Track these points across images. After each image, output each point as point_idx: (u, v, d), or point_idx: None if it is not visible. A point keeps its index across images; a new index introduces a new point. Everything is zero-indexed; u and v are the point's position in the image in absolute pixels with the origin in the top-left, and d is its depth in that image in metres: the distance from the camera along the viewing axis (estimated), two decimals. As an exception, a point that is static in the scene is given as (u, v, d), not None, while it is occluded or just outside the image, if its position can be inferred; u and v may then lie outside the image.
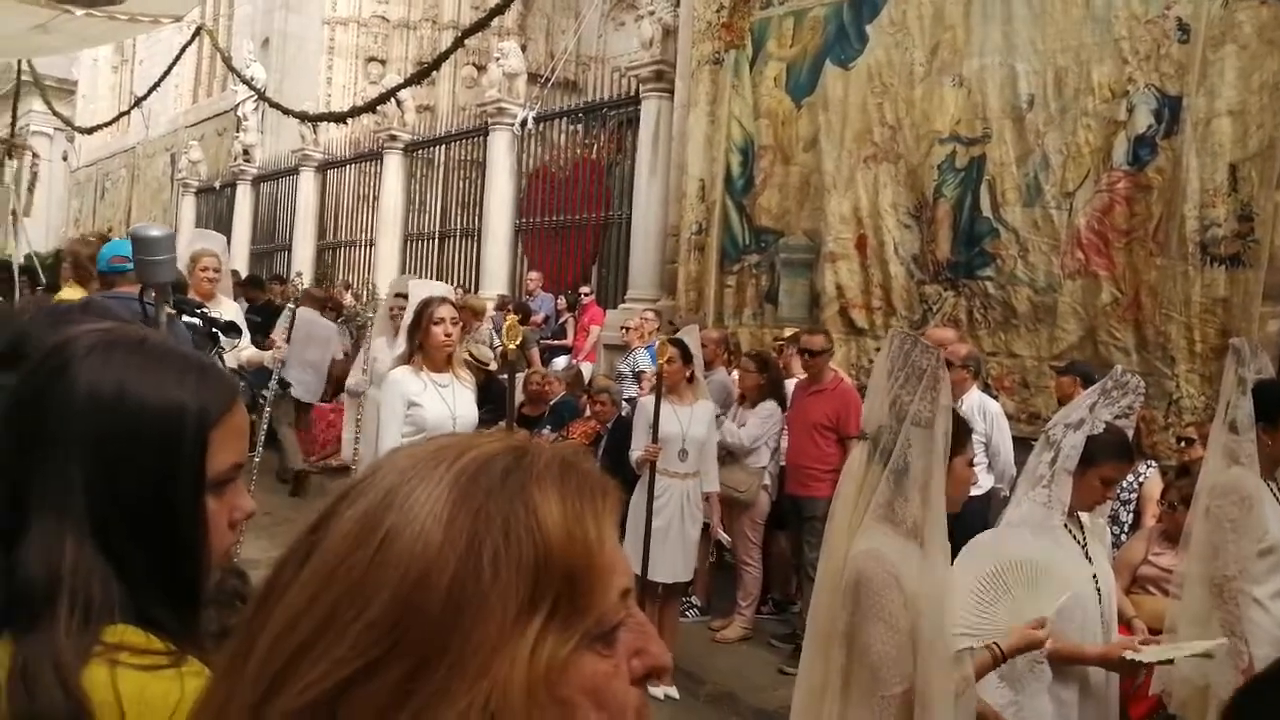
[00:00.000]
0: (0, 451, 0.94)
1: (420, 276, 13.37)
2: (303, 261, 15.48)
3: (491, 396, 6.67)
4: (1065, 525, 2.83)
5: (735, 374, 6.45)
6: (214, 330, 4.17)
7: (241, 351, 5.89)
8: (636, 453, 5.47)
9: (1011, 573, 2.66)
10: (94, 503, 0.93)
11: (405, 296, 6.45)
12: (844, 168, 7.64)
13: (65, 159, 27.45)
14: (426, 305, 4.30)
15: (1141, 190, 5.96)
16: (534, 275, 11.01)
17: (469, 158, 12.84)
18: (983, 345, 6.54)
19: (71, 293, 5.47)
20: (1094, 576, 2.88)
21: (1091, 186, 6.18)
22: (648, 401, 5.54)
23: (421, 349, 4.28)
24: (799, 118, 8.04)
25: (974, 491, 5.35)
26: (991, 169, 6.69)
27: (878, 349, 6.92)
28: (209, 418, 1.00)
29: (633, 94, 10.05)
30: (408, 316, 4.68)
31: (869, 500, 2.33)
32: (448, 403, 4.22)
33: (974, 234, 6.78)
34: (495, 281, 11.65)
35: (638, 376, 7.55)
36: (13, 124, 17.62)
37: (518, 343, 4.91)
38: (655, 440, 5.35)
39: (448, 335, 4.27)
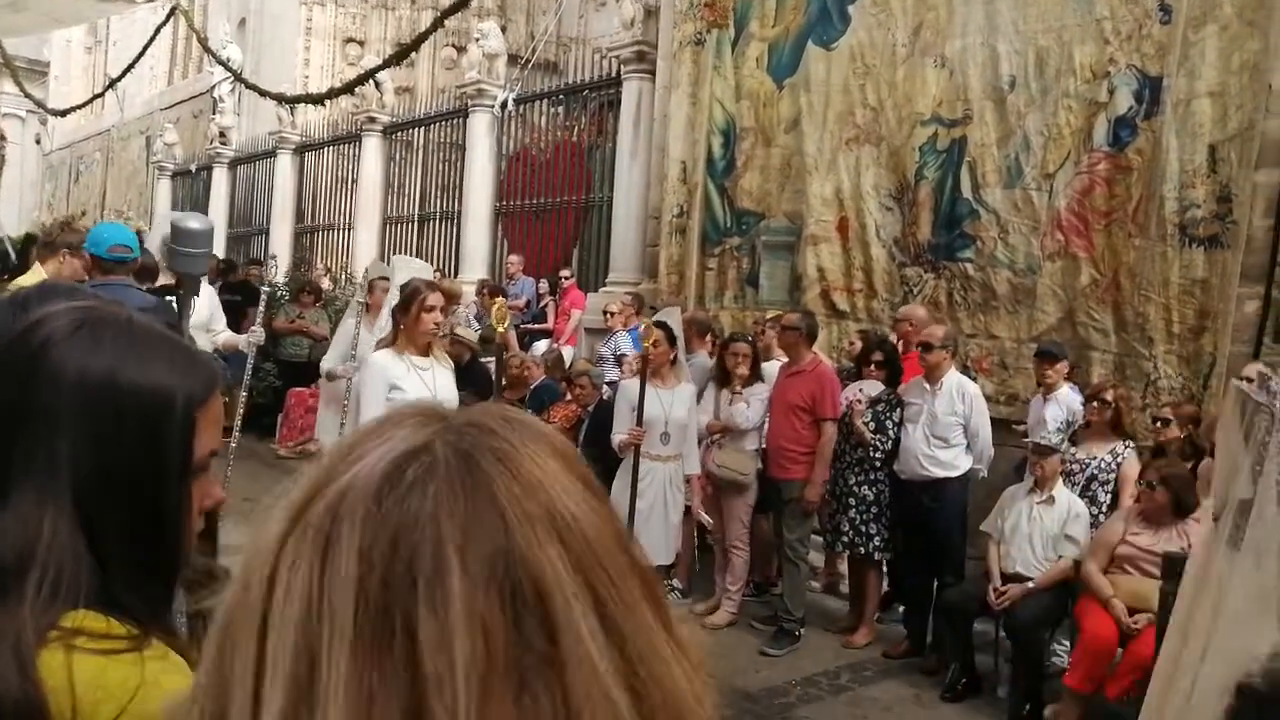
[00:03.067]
0: None
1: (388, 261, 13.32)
2: (280, 245, 15.32)
3: (474, 378, 6.63)
4: None
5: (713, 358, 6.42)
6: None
7: (218, 335, 5.83)
8: (620, 436, 5.47)
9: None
10: (78, 481, 0.91)
11: (387, 280, 6.41)
12: (825, 150, 7.62)
13: (38, 142, 27.08)
14: (418, 292, 4.26)
15: (1121, 171, 5.97)
16: (514, 259, 10.94)
17: (448, 140, 12.73)
18: (962, 327, 6.55)
19: (34, 276, 5.38)
20: None
21: (1072, 168, 6.18)
22: (630, 384, 5.54)
23: (406, 333, 4.27)
24: (781, 99, 8.01)
25: (953, 473, 5.40)
26: (972, 150, 6.68)
27: (859, 331, 6.93)
28: (195, 403, 0.99)
29: (614, 75, 9.98)
30: (392, 297, 4.63)
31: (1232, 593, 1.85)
32: (428, 385, 4.21)
33: (955, 216, 6.78)
34: (475, 265, 11.57)
35: (619, 360, 7.53)
36: (-16, 105, 17.36)
37: (504, 325, 4.89)
38: (640, 424, 5.34)
39: (436, 325, 4.30)
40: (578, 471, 0.55)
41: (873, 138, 7.34)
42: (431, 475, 0.51)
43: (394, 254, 13.48)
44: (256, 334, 5.87)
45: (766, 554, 6.39)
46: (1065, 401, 5.45)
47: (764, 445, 5.89)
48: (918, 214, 7.01)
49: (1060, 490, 5.01)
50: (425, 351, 4.30)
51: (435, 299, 4.28)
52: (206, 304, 5.76)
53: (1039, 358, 5.63)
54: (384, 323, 6.31)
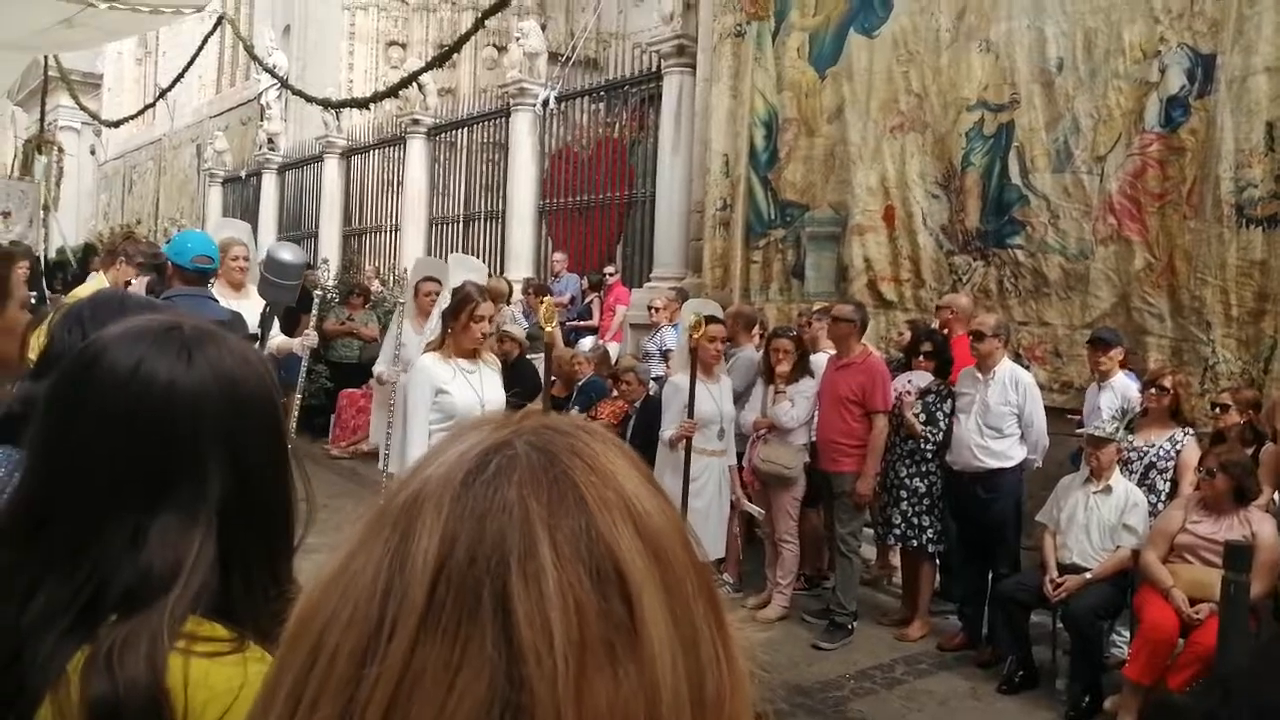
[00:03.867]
0: (135, 444, 0.96)
1: (445, 259, 13.42)
2: (329, 248, 15.53)
3: (521, 377, 6.67)
4: None
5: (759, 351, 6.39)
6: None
7: (273, 339, 5.89)
8: (670, 431, 5.43)
9: None
10: (224, 494, 0.96)
11: (437, 281, 6.38)
12: (870, 138, 7.54)
13: (93, 153, 27.70)
14: (469, 300, 4.24)
15: (1174, 152, 5.84)
16: (559, 256, 10.98)
17: (491, 140, 12.81)
18: (1013, 314, 6.45)
19: (93, 285, 5.51)
20: None
21: (1123, 150, 6.06)
22: (680, 380, 5.47)
23: (454, 337, 4.26)
24: (823, 89, 7.94)
25: (1007, 464, 5.33)
26: (1020, 135, 6.57)
27: (908, 321, 6.86)
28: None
29: (654, 70, 9.97)
30: (444, 299, 4.63)
31: None
32: (475, 389, 4.20)
33: (1003, 202, 6.67)
34: (520, 264, 11.63)
35: (664, 355, 7.52)
36: (41, 119, 17.81)
37: (552, 325, 4.88)
38: (690, 416, 5.31)
39: (484, 335, 4.30)
40: (643, 471, 0.57)
41: (918, 125, 7.25)
42: (514, 465, 0.53)
43: (439, 255, 13.61)
44: (310, 337, 5.95)
45: (818, 547, 6.36)
46: (1121, 389, 5.34)
47: (813, 438, 5.86)
48: (965, 201, 6.92)
49: (1117, 479, 4.92)
50: (473, 355, 4.28)
51: (486, 308, 4.26)
52: (257, 310, 5.87)
53: (1093, 344, 5.52)
54: (434, 324, 6.37)
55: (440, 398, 4.11)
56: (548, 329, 4.83)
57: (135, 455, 0.95)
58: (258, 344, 4.55)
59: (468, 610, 0.49)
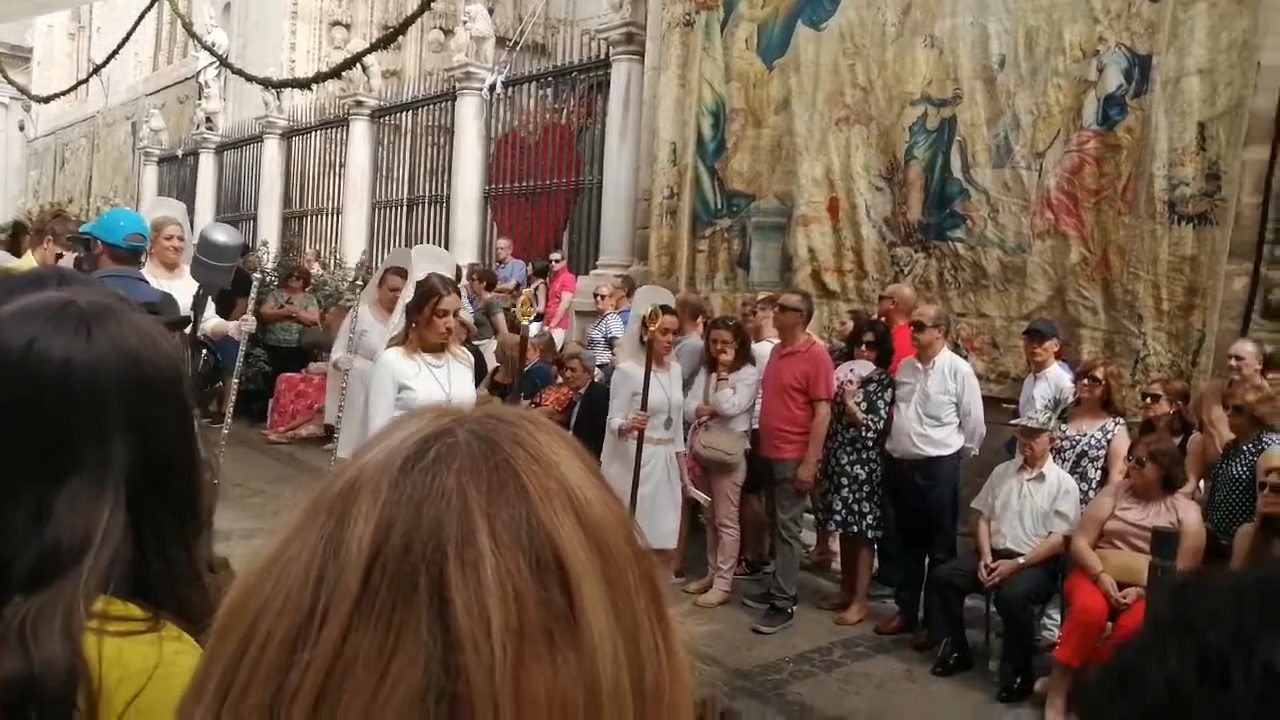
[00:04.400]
0: (33, 423, 0.94)
1: (406, 245, 13.25)
2: (269, 230, 15.25)
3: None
4: None
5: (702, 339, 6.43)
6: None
7: (207, 322, 5.78)
8: (619, 420, 5.33)
9: None
10: (130, 468, 0.95)
11: (402, 274, 6.21)
12: (816, 130, 7.62)
13: (21, 129, 26.85)
14: (433, 293, 4.11)
15: (1111, 150, 5.99)
16: (503, 242, 10.91)
17: (437, 123, 12.68)
18: (953, 306, 6.57)
19: (25, 264, 5.35)
20: None
21: (1061, 146, 6.19)
22: (630, 369, 5.38)
23: (417, 331, 4.15)
24: (770, 80, 8.00)
25: (945, 452, 5.43)
26: (962, 130, 6.69)
27: (850, 311, 6.95)
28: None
29: (603, 57, 9.95)
30: (409, 291, 4.51)
31: None
32: (441, 383, 4.08)
33: (945, 195, 6.79)
34: (465, 249, 11.53)
35: (610, 343, 7.53)
36: (-34, 92, 17.21)
37: (530, 317, 4.75)
38: (644, 408, 5.19)
39: (448, 330, 4.17)
40: (587, 462, 0.57)
41: (863, 118, 7.34)
42: (454, 452, 0.53)
43: (384, 240, 13.45)
44: (249, 322, 5.82)
45: (759, 533, 6.42)
46: (1055, 379, 5.48)
47: (755, 426, 5.91)
48: (908, 194, 7.02)
49: (1050, 467, 5.04)
50: (439, 350, 4.16)
51: (450, 302, 4.12)
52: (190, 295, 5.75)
53: (1029, 336, 5.65)
54: (398, 318, 6.24)
55: (404, 393, 3.99)
56: (524, 322, 4.68)
57: (34, 432, 0.93)
58: (189, 326, 4.43)
59: (403, 597, 0.48)
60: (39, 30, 26.24)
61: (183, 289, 5.38)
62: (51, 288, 1.27)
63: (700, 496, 5.82)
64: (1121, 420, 5.28)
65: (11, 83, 22.75)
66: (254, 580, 0.52)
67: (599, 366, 7.15)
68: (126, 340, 0.99)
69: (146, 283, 4.79)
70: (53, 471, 0.93)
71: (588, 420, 5.98)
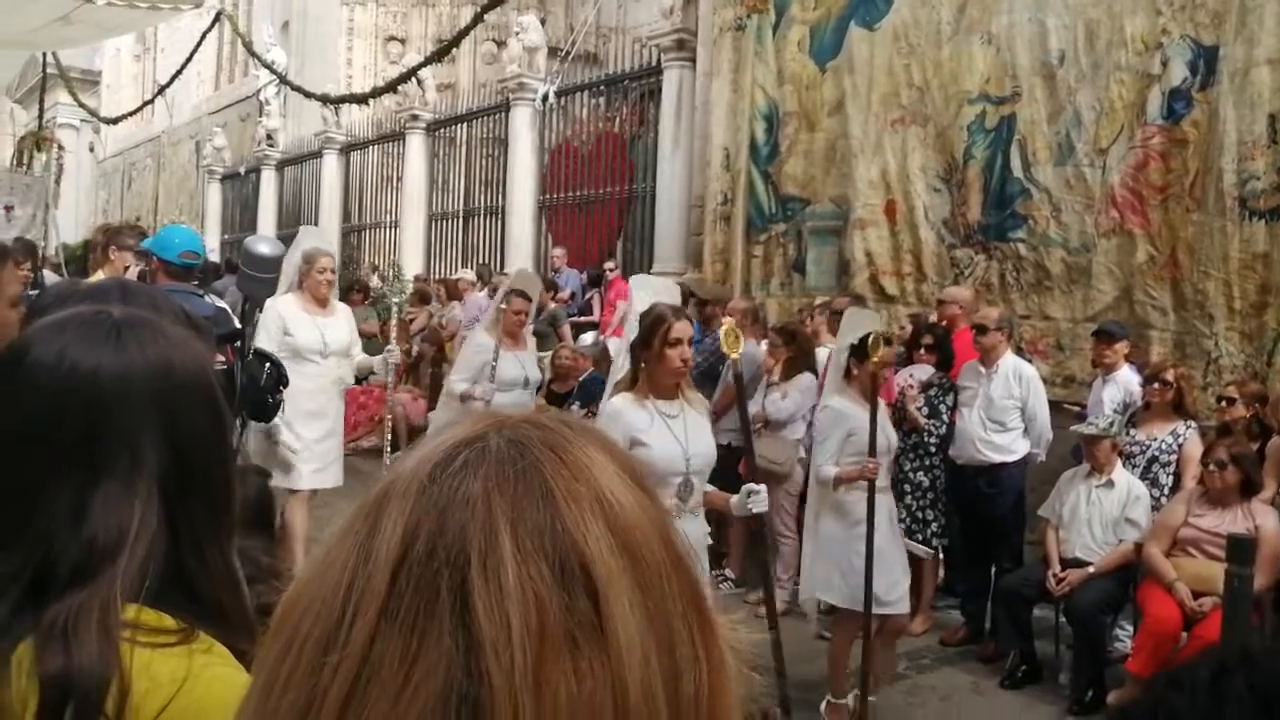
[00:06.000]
0: (66, 429, 0.97)
1: (447, 257, 13.38)
2: (329, 245, 15.50)
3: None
4: None
5: (764, 345, 6.38)
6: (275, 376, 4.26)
7: (356, 357, 5.57)
8: (832, 468, 4.31)
9: None
10: (161, 465, 0.98)
11: (526, 297, 5.86)
12: (871, 132, 7.52)
13: (92, 150, 27.67)
14: (661, 321, 3.36)
15: (1177, 145, 5.82)
16: (558, 252, 10.96)
17: (491, 135, 12.79)
18: (1016, 308, 6.44)
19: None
20: None
21: (1125, 143, 6.04)
22: (843, 406, 4.38)
23: (648, 372, 3.38)
24: (824, 82, 7.92)
25: (1010, 458, 5.32)
26: (1022, 128, 6.55)
27: (910, 315, 6.85)
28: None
29: (654, 64, 9.95)
30: (630, 324, 3.62)
31: None
32: (678, 437, 3.34)
33: (1005, 195, 6.66)
34: (520, 259, 11.60)
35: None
36: (40, 116, 17.78)
37: (737, 353, 3.69)
38: (872, 452, 4.16)
39: (685, 362, 3.41)
40: (624, 464, 0.57)
41: (919, 118, 7.23)
42: (483, 459, 0.53)
43: (439, 250, 13.57)
44: (393, 354, 5.71)
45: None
46: (1124, 382, 5.33)
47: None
48: (967, 194, 6.90)
49: (1120, 473, 4.90)
50: (673, 392, 3.43)
51: (683, 329, 3.39)
52: (347, 327, 5.47)
53: (1098, 338, 5.49)
54: (532, 348, 6.04)
55: (636, 450, 3.17)
56: (732, 355, 3.66)
57: (66, 437, 0.97)
58: (239, 341, 4.47)
59: (426, 602, 0.49)
60: (107, 54, 27.04)
61: (336, 324, 5.31)
62: (115, 299, 1.31)
63: (922, 551, 5.34)
64: (1193, 424, 5.11)
65: (82, 105, 23.51)
66: (300, 584, 0.54)
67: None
68: (156, 347, 1.03)
69: (200, 297, 4.87)
70: (88, 474, 0.96)
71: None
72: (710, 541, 3.74)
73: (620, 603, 0.50)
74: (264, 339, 4.88)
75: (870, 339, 4.22)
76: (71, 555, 0.93)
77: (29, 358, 1.00)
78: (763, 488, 3.48)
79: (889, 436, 4.51)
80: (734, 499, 3.53)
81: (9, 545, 0.94)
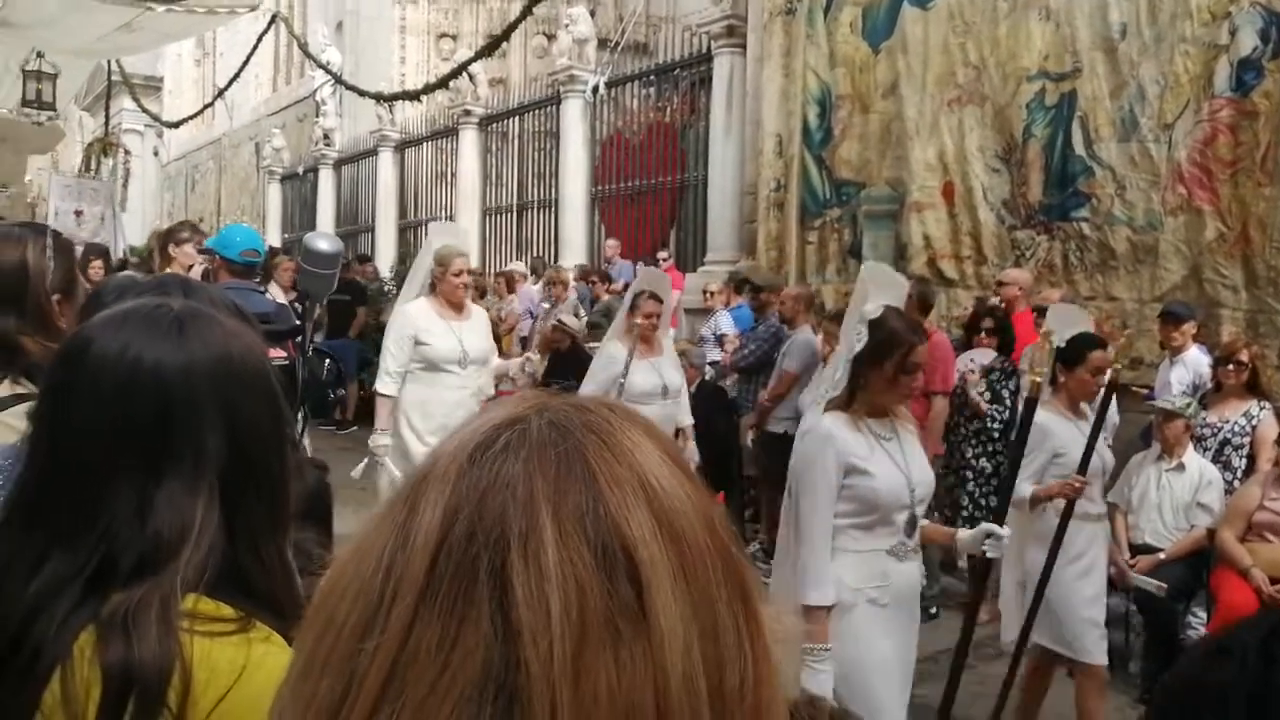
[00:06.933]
0: (130, 422, 0.98)
1: (502, 251, 13.46)
2: (385, 241, 15.71)
3: (566, 369, 6.62)
4: None
5: (820, 334, 6.32)
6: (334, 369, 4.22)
7: (493, 362, 5.25)
8: (1031, 485, 3.87)
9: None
10: (223, 463, 0.99)
11: (658, 299, 5.24)
12: (927, 113, 7.40)
13: (156, 154, 28.34)
14: (902, 343, 2.91)
15: (1247, 117, 5.63)
16: (611, 243, 10.97)
17: (543, 128, 12.83)
18: (1080, 289, 6.29)
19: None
20: None
21: (1192, 117, 5.86)
22: (1049, 420, 3.88)
23: (869, 390, 2.92)
24: (877, 64, 7.81)
25: (1076, 441, 5.18)
26: (1083, 104, 6.39)
27: (976, 298, 6.72)
28: None
29: (704, 52, 9.88)
30: (850, 341, 3.00)
31: None
32: (899, 464, 2.91)
33: (1067, 174, 6.50)
34: (574, 251, 11.65)
35: (719, 340, 7.47)
36: (106, 122, 18.24)
37: (1041, 375, 3.35)
38: (1083, 471, 3.75)
39: (912, 389, 3.08)
40: (669, 450, 0.55)
41: (976, 97, 7.09)
42: (524, 441, 0.52)
43: (493, 243, 13.65)
44: (531, 362, 5.56)
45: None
46: (1193, 364, 5.18)
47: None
48: (1027, 174, 6.75)
49: (1191, 456, 4.77)
50: (883, 411, 2.99)
51: (923, 353, 2.99)
52: (485, 337, 5.04)
53: (1164, 319, 5.35)
54: (669, 354, 5.36)
55: (851, 478, 2.84)
56: (1035, 379, 3.27)
57: (131, 432, 0.98)
58: (299, 336, 4.51)
59: (465, 587, 0.48)
60: (169, 59, 27.65)
61: (475, 330, 4.86)
62: (175, 293, 1.33)
63: (1151, 585, 4.68)
64: (1268, 405, 4.96)
65: (145, 111, 24.05)
66: (338, 569, 0.53)
67: (709, 364, 7.10)
68: (216, 340, 1.03)
69: (261, 294, 4.96)
70: (152, 470, 0.97)
71: (702, 422, 5.92)
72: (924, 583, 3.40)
73: (663, 589, 0.49)
74: (392, 348, 4.69)
75: (1051, 346, 3.69)
76: (135, 551, 0.94)
77: (91, 351, 1.01)
78: (1007, 531, 3.08)
79: (1104, 459, 4.02)
80: (962, 535, 3.21)
81: (72, 542, 0.95)
